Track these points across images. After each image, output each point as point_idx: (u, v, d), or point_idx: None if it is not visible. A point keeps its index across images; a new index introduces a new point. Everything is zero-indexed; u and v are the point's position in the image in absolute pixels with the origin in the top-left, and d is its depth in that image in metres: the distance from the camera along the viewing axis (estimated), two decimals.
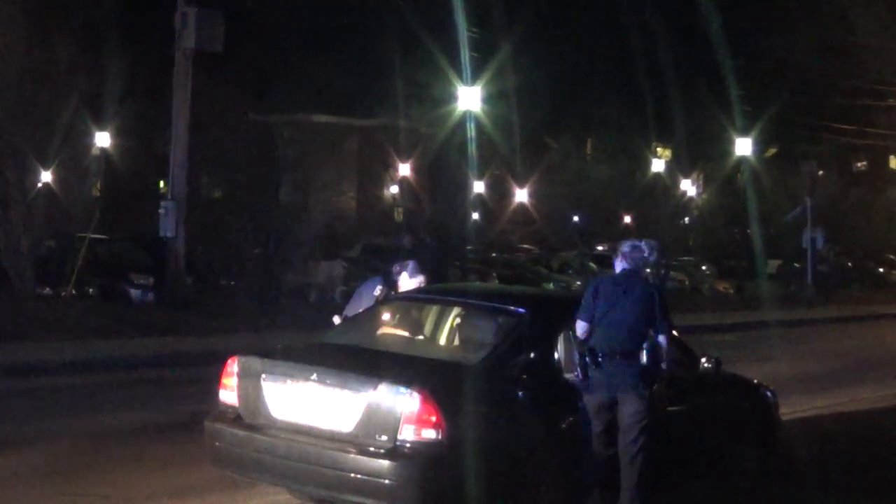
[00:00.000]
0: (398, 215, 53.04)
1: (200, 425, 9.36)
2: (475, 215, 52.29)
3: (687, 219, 61.82)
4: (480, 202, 46.66)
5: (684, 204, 60.70)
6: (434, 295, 10.54)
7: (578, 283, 38.49)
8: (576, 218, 59.33)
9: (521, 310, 9.61)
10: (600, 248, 53.76)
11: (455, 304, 10.10)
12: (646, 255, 9.30)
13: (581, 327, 9.14)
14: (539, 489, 8.79)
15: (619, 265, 9.35)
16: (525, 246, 56.86)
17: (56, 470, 10.61)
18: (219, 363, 11.46)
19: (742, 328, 30.22)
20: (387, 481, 8.30)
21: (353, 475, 8.39)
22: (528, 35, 44.07)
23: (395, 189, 55.56)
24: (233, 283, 29.22)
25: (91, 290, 27.26)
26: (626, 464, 9.07)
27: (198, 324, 22.53)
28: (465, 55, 35.22)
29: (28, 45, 25.66)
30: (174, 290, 23.54)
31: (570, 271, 43.94)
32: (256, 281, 28.33)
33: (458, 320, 9.93)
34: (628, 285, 9.21)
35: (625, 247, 9.36)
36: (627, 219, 62.03)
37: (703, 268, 50.99)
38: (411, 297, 10.47)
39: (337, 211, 49.07)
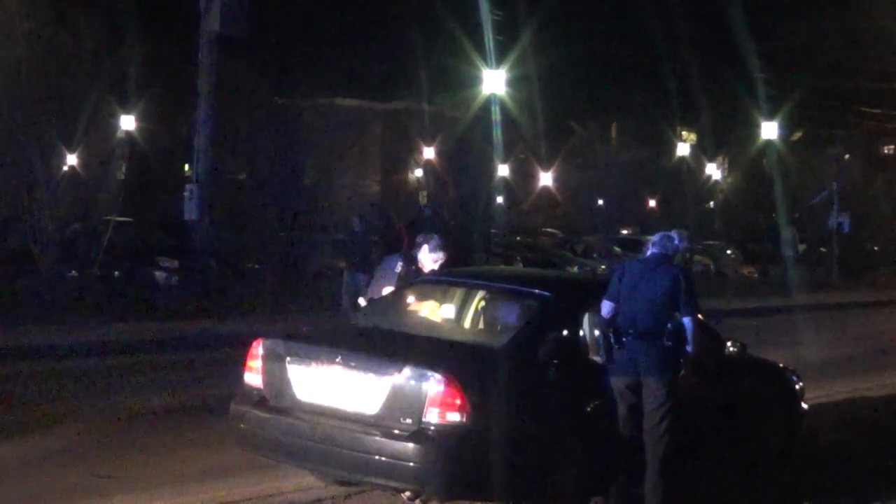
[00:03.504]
0: (422, 198, 53.00)
1: (226, 408, 9.40)
2: (499, 199, 52.23)
3: (712, 203, 61.62)
4: (505, 186, 46.57)
5: (709, 188, 60.51)
6: (459, 278, 10.54)
7: (603, 266, 38.45)
8: (600, 202, 59.19)
9: (545, 293, 9.60)
10: (624, 232, 53.70)
11: (480, 286, 10.09)
12: (676, 242, 9.39)
13: (606, 307, 9.15)
14: (564, 472, 8.79)
15: (650, 251, 9.40)
16: (549, 230, 56.80)
17: (84, 451, 10.69)
18: (243, 346, 11.52)
19: (766, 312, 30.13)
20: (411, 464, 8.31)
21: (377, 458, 8.40)
22: (553, 18, 44.03)
23: (419, 172, 55.53)
24: (257, 266, 29.26)
25: (116, 272, 27.32)
26: (650, 447, 9.06)
27: (222, 307, 22.60)
28: (490, 38, 35.16)
29: (53, 28, 25.70)
30: (198, 274, 23.56)
31: (594, 255, 43.92)
32: (280, 264, 28.37)
33: (482, 303, 9.94)
34: (655, 268, 9.23)
35: (656, 237, 9.51)
36: (652, 203, 61.87)
37: (728, 252, 50.85)
38: (436, 279, 10.49)
39: (361, 195, 49.19)
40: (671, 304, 9.11)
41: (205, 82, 23.77)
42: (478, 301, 10.01)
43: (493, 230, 44.56)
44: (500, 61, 35.74)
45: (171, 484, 9.71)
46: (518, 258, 36.74)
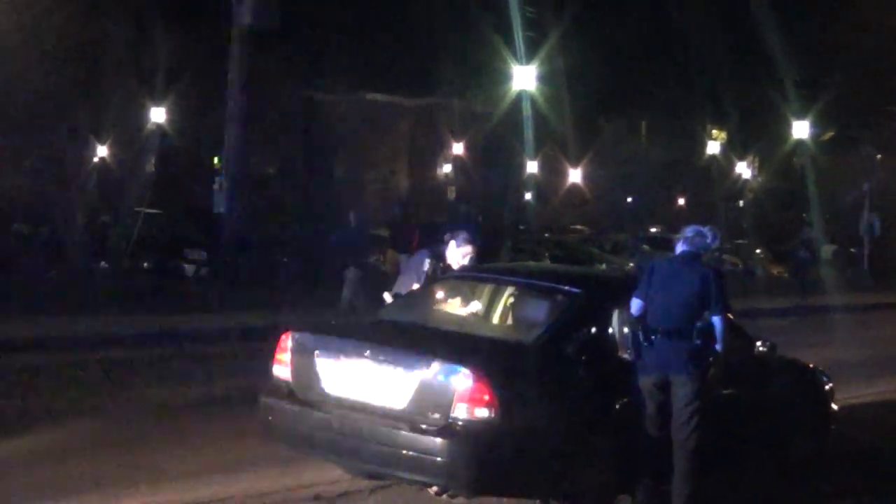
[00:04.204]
0: (450, 194, 53.00)
1: (254, 400, 9.41)
2: (528, 195, 52.18)
3: (741, 202, 61.34)
4: (533, 182, 46.51)
5: (739, 187, 60.23)
6: (487, 273, 10.53)
7: (631, 264, 38.31)
8: (629, 199, 59.10)
9: (575, 289, 9.57)
10: (653, 230, 53.51)
11: (509, 282, 10.07)
12: (708, 240, 9.33)
13: (636, 305, 9.12)
14: (591, 469, 8.77)
15: (680, 248, 9.34)
16: (577, 226, 56.69)
17: (111, 442, 10.72)
18: (269, 339, 11.52)
19: (796, 313, 29.95)
20: (439, 459, 8.31)
21: (405, 452, 8.40)
22: (584, 14, 43.78)
23: (447, 168, 55.54)
24: (284, 259, 29.34)
25: (146, 264, 27.47)
26: (678, 445, 9.02)
27: (250, 299, 22.59)
28: (520, 34, 35.07)
29: (84, 21, 25.82)
30: (227, 266, 23.62)
31: (623, 252, 43.78)
32: (307, 258, 28.40)
33: (512, 299, 9.91)
34: (685, 266, 9.19)
35: (688, 231, 9.37)
36: (681, 201, 61.67)
37: (758, 251, 50.59)
38: (464, 275, 10.48)
39: (389, 190, 49.27)
40: (701, 303, 9.06)
41: (235, 75, 23.80)
42: (507, 297, 9.99)
43: (521, 226, 44.55)
44: (530, 57, 35.65)
45: (199, 475, 9.73)
46: (546, 255, 36.64)
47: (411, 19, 44.07)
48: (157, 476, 9.62)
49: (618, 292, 9.58)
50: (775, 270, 47.44)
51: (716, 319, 9.03)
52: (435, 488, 8.79)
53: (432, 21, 43.06)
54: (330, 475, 9.72)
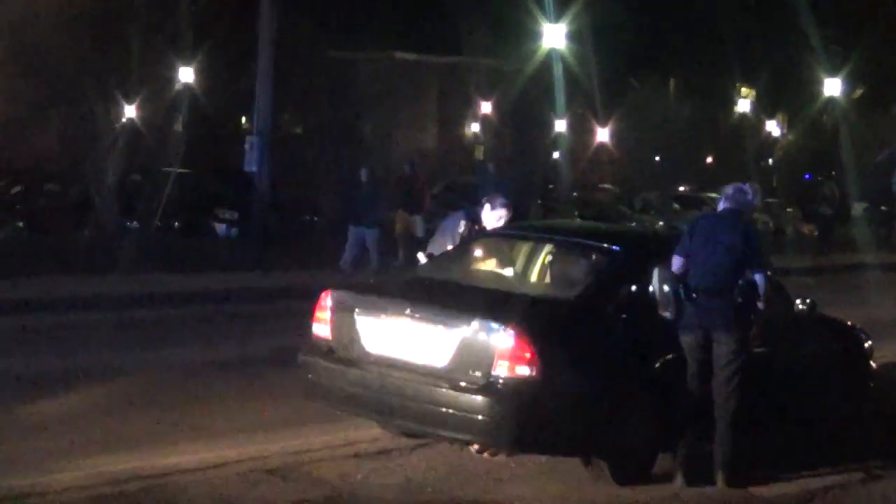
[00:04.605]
0: (479, 153, 52.87)
1: (289, 360, 9.41)
2: (555, 154, 51.97)
3: (770, 160, 61.02)
4: (564, 141, 46.27)
5: (768, 145, 59.88)
6: (527, 231, 10.48)
7: (661, 223, 38.20)
8: (657, 158, 58.79)
9: (615, 247, 9.54)
10: (681, 188, 53.30)
11: (548, 240, 10.01)
12: (749, 197, 9.25)
13: (677, 262, 9.04)
14: (632, 427, 8.75)
15: (722, 206, 9.27)
16: (606, 186, 56.51)
17: (150, 401, 10.74)
18: (302, 299, 11.54)
19: (827, 271, 29.78)
20: (480, 417, 8.31)
21: (445, 410, 8.41)
22: None
23: (476, 127, 55.36)
24: (315, 218, 29.33)
25: (176, 223, 27.51)
26: (719, 403, 8.97)
27: (281, 259, 22.58)
28: None
29: None
30: (259, 226, 23.61)
31: (652, 211, 43.64)
32: (335, 217, 28.35)
33: (551, 257, 9.86)
34: (727, 224, 9.11)
35: (729, 189, 9.30)
36: (709, 160, 61.36)
37: (788, 210, 50.35)
38: (503, 233, 10.43)
39: (418, 149, 49.14)
40: (742, 262, 8.98)
41: (265, 33, 23.68)
42: (545, 255, 9.93)
43: (549, 186, 44.38)
44: (559, 15, 35.37)
45: (238, 434, 9.75)
46: (575, 214, 36.57)
47: None
48: (198, 434, 9.65)
49: (657, 250, 9.50)
50: (806, 229, 47.18)
51: (758, 277, 8.95)
52: (476, 446, 8.80)
53: None
54: (369, 433, 9.73)
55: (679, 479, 8.91)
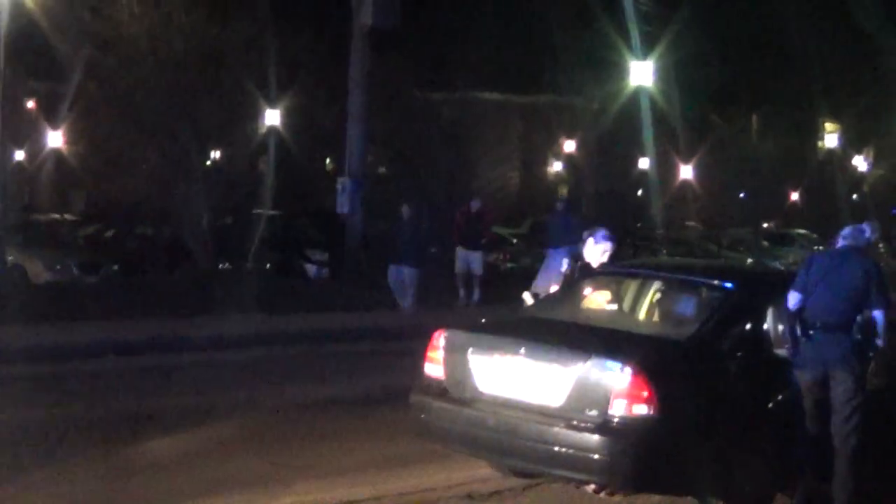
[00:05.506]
0: (562, 192, 52.77)
1: (394, 399, 9.39)
2: (639, 192, 51.78)
3: (855, 195, 60.33)
4: (653, 179, 46.09)
5: (855, 180, 59.20)
6: (637, 269, 10.43)
7: (750, 259, 37.84)
8: (741, 195, 58.31)
9: (727, 284, 9.45)
10: (765, 225, 52.83)
11: (659, 278, 9.96)
12: (867, 235, 9.18)
13: (794, 298, 8.94)
14: (749, 467, 8.64)
15: (840, 244, 9.18)
16: (690, 223, 56.13)
17: (261, 440, 10.79)
18: (395, 339, 11.57)
19: None
20: (596, 456, 8.25)
21: (561, 449, 8.35)
22: (696, 6, 43.29)
23: (559, 166, 55.31)
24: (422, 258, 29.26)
25: (268, 265, 27.71)
26: (839, 442, 8.83)
27: (373, 299, 22.62)
28: (636, 29, 34.78)
29: (208, 22, 26.15)
30: (353, 266, 23.71)
31: (740, 248, 43.24)
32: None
33: (662, 295, 9.79)
34: (844, 259, 9.02)
35: (846, 230, 9.23)
36: (794, 195, 60.68)
37: (879, 245, 49.70)
38: (613, 271, 10.38)
39: (503, 188, 49.17)
40: (860, 297, 8.87)
41: (356, 74, 23.90)
42: (656, 293, 9.87)
43: (638, 224, 44.20)
44: (645, 53, 35.32)
45: (349, 473, 9.76)
46: (664, 251, 36.34)
47: (522, 16, 43.99)
48: (309, 473, 9.66)
49: (771, 287, 9.42)
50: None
51: (877, 313, 8.82)
52: (592, 486, 8.74)
53: (544, 17, 42.91)
54: (480, 473, 9.71)
55: None
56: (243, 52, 27.08)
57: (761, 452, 8.71)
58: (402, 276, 21.34)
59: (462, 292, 22.68)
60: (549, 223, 22.87)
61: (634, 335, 9.05)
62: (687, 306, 9.49)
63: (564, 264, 11.09)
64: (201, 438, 10.66)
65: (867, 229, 9.25)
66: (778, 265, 29.66)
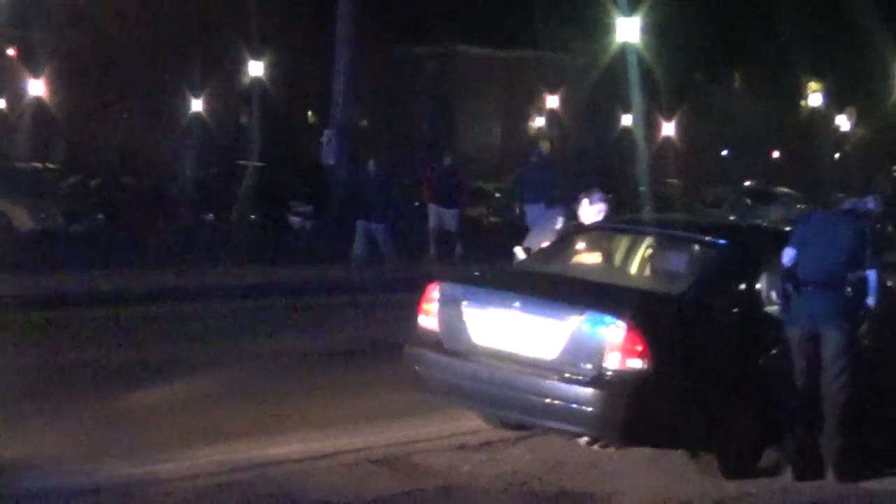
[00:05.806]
0: (544, 147, 52.68)
1: (384, 351, 9.38)
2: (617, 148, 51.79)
3: (837, 155, 60.50)
4: (639, 135, 46.13)
5: (836, 140, 59.36)
6: (631, 225, 10.44)
7: (732, 217, 37.87)
8: (724, 153, 58.51)
9: (721, 241, 9.49)
10: (747, 183, 52.92)
11: (652, 234, 9.98)
12: (870, 206, 9.20)
13: (788, 254, 8.98)
14: (740, 422, 8.71)
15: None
16: (672, 181, 56.21)
17: (250, 392, 10.76)
18: (380, 292, 11.53)
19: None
20: (590, 409, 8.30)
21: (555, 402, 8.40)
22: None
23: (541, 121, 55.24)
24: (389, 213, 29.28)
25: (252, 216, 27.64)
26: (829, 399, 8.90)
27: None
28: None
29: None
30: (337, 219, 23.65)
31: (724, 206, 43.31)
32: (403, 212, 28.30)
33: (656, 250, 9.81)
34: (844, 219, 9.09)
35: (849, 201, 9.27)
36: (776, 154, 60.91)
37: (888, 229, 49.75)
38: (607, 226, 10.38)
39: (482, 143, 49.13)
40: (853, 256, 8.92)
41: (343, 31, 23.76)
42: (650, 249, 9.89)
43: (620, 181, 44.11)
44: (632, 8, 35.16)
45: (340, 424, 9.74)
46: (647, 207, 36.29)
47: None
48: (306, 424, 9.66)
49: (765, 244, 9.50)
50: (877, 225, 46.65)
51: (870, 273, 8.88)
52: (585, 438, 8.79)
53: None
54: (470, 424, 9.73)
55: (788, 473, 8.86)
56: (228, 4, 26.92)
57: (752, 407, 8.77)
58: (370, 231, 21.14)
59: (433, 248, 22.54)
60: (523, 177, 22.09)
61: (629, 290, 9.06)
62: (681, 262, 9.52)
63: (559, 222, 11.08)
64: (189, 390, 10.61)
65: (871, 201, 9.28)
66: (760, 223, 29.66)
